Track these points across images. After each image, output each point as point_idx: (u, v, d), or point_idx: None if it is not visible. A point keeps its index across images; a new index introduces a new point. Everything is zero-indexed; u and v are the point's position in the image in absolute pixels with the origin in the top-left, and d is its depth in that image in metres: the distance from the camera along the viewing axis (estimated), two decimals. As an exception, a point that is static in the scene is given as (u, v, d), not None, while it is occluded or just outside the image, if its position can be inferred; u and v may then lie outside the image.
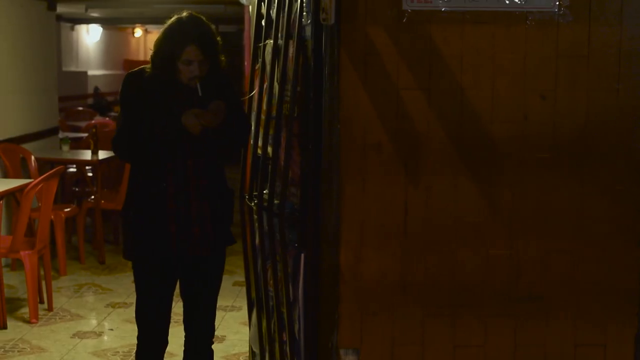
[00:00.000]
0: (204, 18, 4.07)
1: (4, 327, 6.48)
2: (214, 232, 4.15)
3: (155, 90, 4.05)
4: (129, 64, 20.29)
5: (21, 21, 9.07)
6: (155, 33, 21.16)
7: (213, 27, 4.10)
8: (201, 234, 4.12)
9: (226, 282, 7.97)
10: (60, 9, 12.46)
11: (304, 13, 3.83)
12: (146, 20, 18.20)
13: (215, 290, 4.34)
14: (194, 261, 4.20)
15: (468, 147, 3.73)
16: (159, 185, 4.07)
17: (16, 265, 8.13)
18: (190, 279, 4.29)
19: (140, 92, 4.06)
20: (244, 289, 6.18)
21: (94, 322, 6.73)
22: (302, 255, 3.84)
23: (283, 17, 4.07)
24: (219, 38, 4.07)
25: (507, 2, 3.68)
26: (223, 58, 4.13)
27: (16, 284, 7.69)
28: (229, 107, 4.07)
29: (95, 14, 15.08)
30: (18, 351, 6.02)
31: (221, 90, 4.15)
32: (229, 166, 12.64)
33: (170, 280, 4.24)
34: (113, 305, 7.16)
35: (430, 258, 3.74)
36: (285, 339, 4.06)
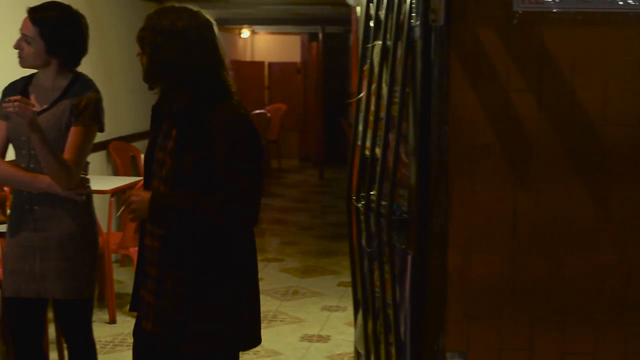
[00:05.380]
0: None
1: (114, 321, 6.62)
2: None
3: None
4: (236, 64, 20.51)
5: (133, 21, 9.24)
6: (262, 34, 21.35)
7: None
8: None
9: (331, 282, 8.09)
10: (170, 9, 12.63)
11: (413, 14, 3.82)
12: (253, 22, 18.35)
13: None
14: None
15: (579, 150, 3.67)
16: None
17: (125, 261, 8.30)
18: None
19: None
20: (349, 290, 6.20)
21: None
22: (409, 257, 3.83)
23: (392, 18, 4.06)
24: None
25: (621, 2, 3.61)
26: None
27: (125, 279, 7.86)
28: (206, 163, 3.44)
29: (203, 15, 15.26)
30: (127, 345, 6.14)
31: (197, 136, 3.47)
32: (334, 166, 12.59)
33: None
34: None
35: (539, 262, 3.69)
36: (391, 340, 4.06)
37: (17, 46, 4.24)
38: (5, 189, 5.33)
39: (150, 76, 3.51)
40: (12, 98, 3.97)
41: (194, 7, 3.52)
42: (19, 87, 4.30)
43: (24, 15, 4.24)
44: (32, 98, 4.25)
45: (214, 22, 3.55)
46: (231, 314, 3.50)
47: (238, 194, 3.37)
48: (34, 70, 4.32)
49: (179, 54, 3.43)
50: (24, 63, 4.26)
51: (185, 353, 3.51)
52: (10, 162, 4.28)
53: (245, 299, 3.54)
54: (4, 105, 3.99)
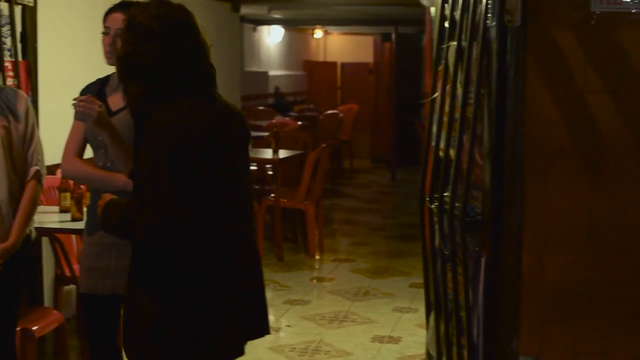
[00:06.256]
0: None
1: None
2: None
3: None
4: (309, 64, 20.59)
5: (208, 22, 9.32)
6: (335, 35, 21.39)
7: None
8: None
9: (403, 283, 8.08)
10: (244, 10, 12.74)
11: (489, 15, 3.80)
12: (326, 22, 18.40)
13: None
14: None
15: (657, 153, 3.62)
16: None
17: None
18: None
19: None
20: (420, 291, 6.18)
21: (271, 318, 6.84)
22: (483, 259, 3.81)
23: (467, 18, 4.04)
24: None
25: (702, 2, 3.55)
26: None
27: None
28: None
29: (277, 15, 15.35)
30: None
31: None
32: (406, 167, 12.56)
33: None
34: (291, 302, 7.27)
35: (615, 265, 3.64)
36: (463, 343, 4.04)
37: (112, 42, 4.24)
38: (82, 187, 5.40)
39: (118, 72, 3.42)
40: (78, 98, 4.02)
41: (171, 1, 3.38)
42: (95, 89, 4.35)
43: (101, 16, 4.28)
44: (111, 99, 4.31)
45: (187, 18, 3.43)
46: (167, 330, 3.33)
47: (150, 207, 3.16)
48: (111, 71, 4.37)
49: (135, 49, 3.28)
50: (113, 60, 4.27)
51: None
52: (88, 160, 4.34)
53: (186, 315, 3.31)
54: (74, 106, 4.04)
